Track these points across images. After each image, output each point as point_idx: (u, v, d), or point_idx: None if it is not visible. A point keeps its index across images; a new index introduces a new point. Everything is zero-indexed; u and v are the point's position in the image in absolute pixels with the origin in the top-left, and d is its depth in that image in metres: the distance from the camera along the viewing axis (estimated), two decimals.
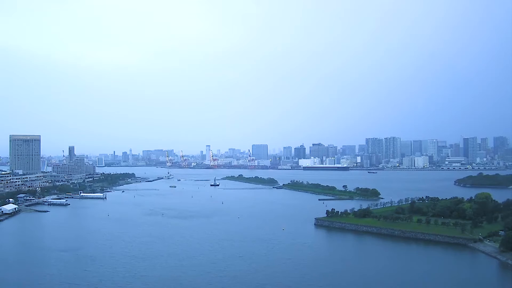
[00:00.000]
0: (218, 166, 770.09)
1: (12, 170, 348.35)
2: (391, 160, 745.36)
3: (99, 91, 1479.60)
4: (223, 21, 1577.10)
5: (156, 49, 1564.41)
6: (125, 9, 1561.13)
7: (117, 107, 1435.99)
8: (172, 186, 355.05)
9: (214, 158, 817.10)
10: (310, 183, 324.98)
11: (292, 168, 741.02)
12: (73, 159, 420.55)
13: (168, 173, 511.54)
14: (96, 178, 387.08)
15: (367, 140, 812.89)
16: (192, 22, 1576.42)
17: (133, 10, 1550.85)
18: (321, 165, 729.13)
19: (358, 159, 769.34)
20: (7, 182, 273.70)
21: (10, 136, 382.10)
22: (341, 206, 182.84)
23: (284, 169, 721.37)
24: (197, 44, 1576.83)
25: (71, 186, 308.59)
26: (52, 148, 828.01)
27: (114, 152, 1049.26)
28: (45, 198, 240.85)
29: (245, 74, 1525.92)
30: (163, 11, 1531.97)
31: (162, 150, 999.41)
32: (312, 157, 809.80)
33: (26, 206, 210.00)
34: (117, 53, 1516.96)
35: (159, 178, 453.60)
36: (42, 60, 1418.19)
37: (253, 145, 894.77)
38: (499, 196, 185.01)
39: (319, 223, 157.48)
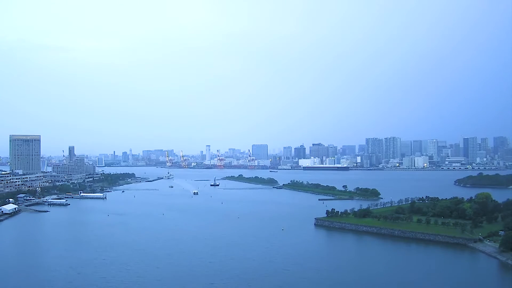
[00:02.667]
0: (219, 166, 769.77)
1: (12, 170, 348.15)
2: (391, 160, 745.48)
3: (99, 91, 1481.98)
4: (219, 12, 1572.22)
5: (152, 41, 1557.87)
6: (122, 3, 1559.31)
7: (117, 107, 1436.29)
8: (170, 186, 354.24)
9: (220, 158, 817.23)
10: (310, 183, 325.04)
11: (292, 168, 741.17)
12: (73, 159, 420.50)
13: (168, 173, 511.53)
14: (96, 178, 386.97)
15: (367, 140, 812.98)
16: (187, 12, 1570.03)
17: (129, 4, 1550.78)
18: (321, 165, 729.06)
19: (358, 159, 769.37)
20: (7, 182, 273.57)
21: (10, 136, 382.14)
22: (341, 206, 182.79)
23: (284, 169, 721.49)
24: (193, 35, 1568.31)
25: (71, 186, 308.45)
26: (52, 148, 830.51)
27: (114, 152, 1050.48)
28: (45, 198, 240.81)
29: (243, 70, 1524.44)
30: (159, 2, 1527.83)
31: (162, 150, 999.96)
32: (312, 157, 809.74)
33: (26, 206, 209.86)
34: (115, 49, 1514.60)
35: (159, 178, 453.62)
36: (41, 59, 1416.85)
37: (253, 145, 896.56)
38: (499, 196, 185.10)
39: (319, 223, 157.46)
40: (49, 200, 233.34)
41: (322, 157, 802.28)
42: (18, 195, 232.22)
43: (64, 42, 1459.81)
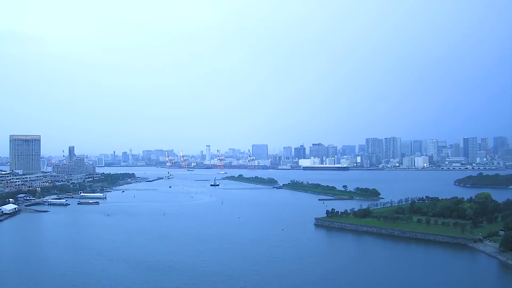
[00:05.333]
0: (219, 166, 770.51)
1: (12, 170, 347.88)
2: (391, 160, 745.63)
3: (99, 91, 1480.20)
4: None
5: (142, 33, 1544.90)
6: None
7: (117, 107, 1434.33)
8: (169, 187, 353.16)
9: (220, 158, 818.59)
10: (310, 183, 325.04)
11: (292, 168, 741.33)
12: (73, 159, 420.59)
13: (168, 173, 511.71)
14: (96, 178, 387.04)
15: (367, 140, 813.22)
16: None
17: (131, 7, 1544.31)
18: (321, 165, 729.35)
19: (358, 159, 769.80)
20: (7, 182, 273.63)
21: (10, 136, 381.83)
22: (341, 206, 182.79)
23: (284, 169, 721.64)
24: (184, 24, 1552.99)
25: (71, 186, 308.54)
26: (52, 148, 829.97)
27: (114, 152, 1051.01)
28: (45, 198, 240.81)
29: (242, 67, 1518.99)
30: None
31: (162, 150, 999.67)
32: (312, 157, 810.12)
33: (26, 206, 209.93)
34: (114, 48, 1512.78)
35: (159, 178, 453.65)
36: (40, 59, 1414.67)
37: (253, 145, 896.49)
38: (499, 196, 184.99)
39: (319, 223, 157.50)
40: (49, 200, 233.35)
41: (322, 157, 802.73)
42: (18, 195, 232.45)
43: (36, 30, 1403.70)
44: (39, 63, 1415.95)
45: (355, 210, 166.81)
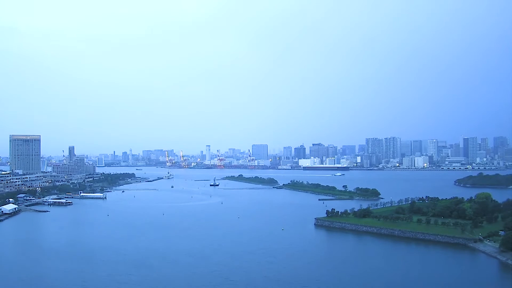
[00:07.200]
0: (219, 166, 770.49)
1: (12, 170, 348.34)
2: (391, 160, 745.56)
3: (99, 91, 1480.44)
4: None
5: (152, 42, 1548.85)
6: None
7: (117, 107, 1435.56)
8: (171, 186, 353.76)
9: (220, 158, 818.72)
10: (310, 183, 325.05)
11: (292, 168, 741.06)
12: (73, 159, 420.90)
13: (168, 173, 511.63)
14: (96, 178, 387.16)
15: (367, 140, 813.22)
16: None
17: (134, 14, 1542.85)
18: (321, 165, 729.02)
19: (358, 159, 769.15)
20: (7, 182, 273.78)
21: (10, 136, 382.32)
22: (341, 206, 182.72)
23: (284, 169, 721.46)
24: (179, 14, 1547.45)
25: (71, 186, 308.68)
26: (52, 148, 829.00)
27: (114, 152, 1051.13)
28: (45, 198, 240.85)
29: (243, 65, 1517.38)
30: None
31: (162, 150, 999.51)
32: (312, 157, 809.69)
33: (26, 206, 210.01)
34: (112, 47, 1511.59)
35: (159, 178, 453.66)
36: (39, 59, 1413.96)
37: (253, 145, 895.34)
38: (499, 196, 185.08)
39: (319, 223, 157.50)
40: (49, 200, 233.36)
41: (322, 157, 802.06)
42: (18, 195, 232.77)
43: (9, 21, 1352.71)
44: (42, 66, 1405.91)
45: (355, 210, 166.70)
